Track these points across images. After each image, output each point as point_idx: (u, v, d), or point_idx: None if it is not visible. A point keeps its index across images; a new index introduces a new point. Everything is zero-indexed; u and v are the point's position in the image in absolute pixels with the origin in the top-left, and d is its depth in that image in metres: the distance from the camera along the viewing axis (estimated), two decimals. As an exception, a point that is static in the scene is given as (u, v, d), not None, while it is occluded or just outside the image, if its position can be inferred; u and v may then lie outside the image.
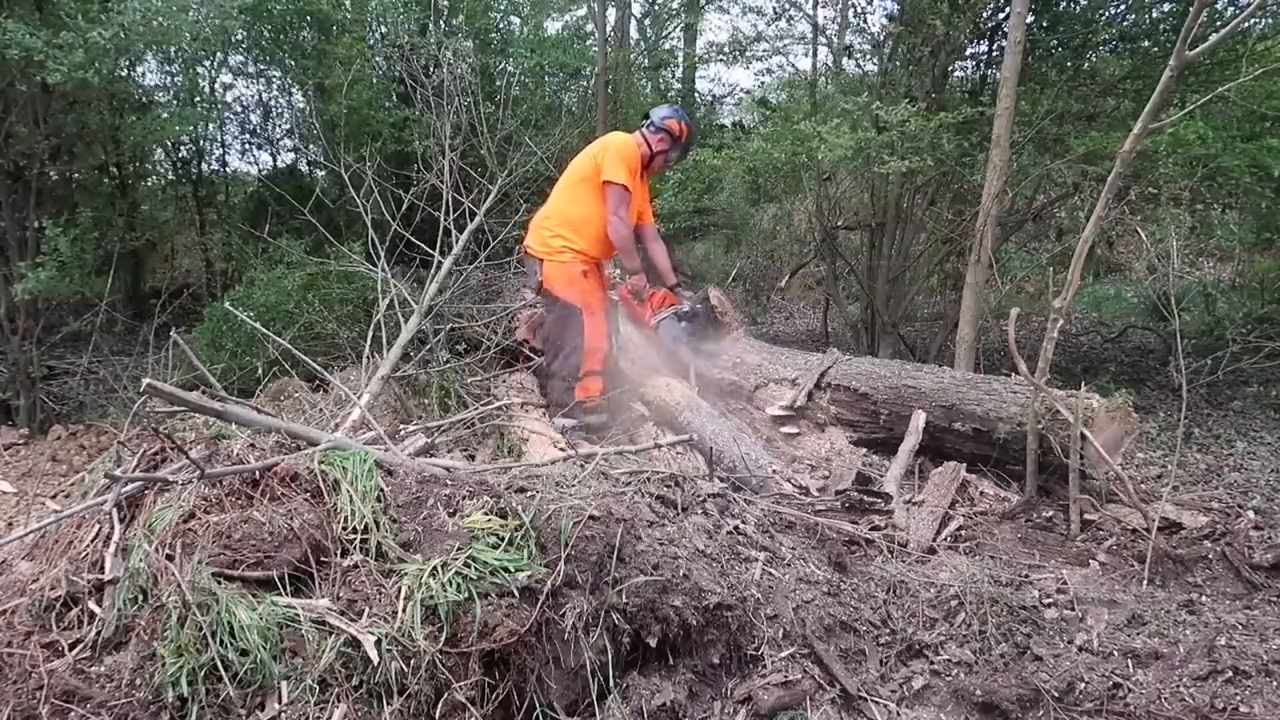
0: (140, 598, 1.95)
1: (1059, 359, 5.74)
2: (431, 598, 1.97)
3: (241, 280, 6.77)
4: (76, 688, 1.79)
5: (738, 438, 3.72)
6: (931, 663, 2.36)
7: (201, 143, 8.96)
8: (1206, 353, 5.60)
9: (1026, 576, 2.80)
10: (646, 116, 4.45)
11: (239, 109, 9.23)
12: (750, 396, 4.51)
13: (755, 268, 9.80)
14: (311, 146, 7.63)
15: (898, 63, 6.82)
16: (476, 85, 6.02)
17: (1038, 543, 3.15)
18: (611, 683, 2.08)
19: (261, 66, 8.72)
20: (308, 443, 2.42)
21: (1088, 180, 5.94)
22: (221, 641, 1.82)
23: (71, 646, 1.92)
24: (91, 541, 2.16)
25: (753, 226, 9.68)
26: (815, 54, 9.41)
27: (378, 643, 1.90)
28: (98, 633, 1.93)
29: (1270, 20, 5.92)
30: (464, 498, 2.27)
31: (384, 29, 8.69)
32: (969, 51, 6.91)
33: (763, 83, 10.93)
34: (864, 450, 3.97)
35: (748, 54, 9.06)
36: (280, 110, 9.45)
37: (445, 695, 1.93)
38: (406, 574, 2.03)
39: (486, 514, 2.22)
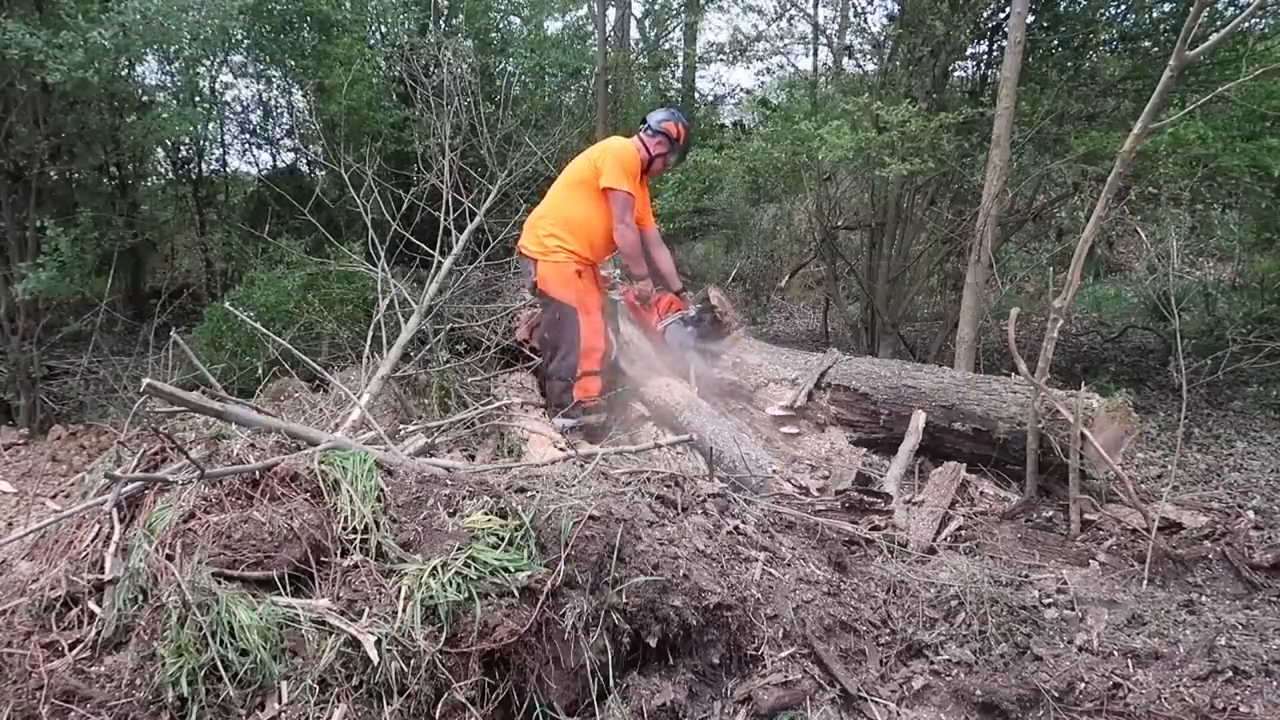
0: (140, 598, 1.95)
1: (1059, 359, 5.74)
2: (431, 598, 1.97)
3: (241, 280, 6.77)
4: (76, 688, 1.79)
5: (738, 438, 3.72)
6: (931, 663, 2.36)
7: (201, 143, 8.96)
8: (1206, 353, 5.60)
9: (1026, 576, 2.80)
10: (644, 121, 4.45)
11: (239, 109, 9.25)
12: (750, 396, 4.51)
13: (755, 268, 9.80)
14: (311, 146, 7.62)
15: (898, 63, 6.82)
16: (476, 85, 6.02)
17: (1038, 543, 3.15)
18: (611, 683, 2.08)
19: (261, 66, 8.72)
20: (308, 443, 2.42)
21: (1088, 180, 5.93)
22: (221, 641, 1.82)
23: (71, 646, 1.92)
24: (91, 541, 2.16)
25: (753, 226, 9.68)
26: (815, 54, 9.42)
27: (378, 643, 1.90)
28: (98, 633, 1.93)
29: (1270, 20, 5.92)
30: (464, 498, 2.27)
31: (384, 29, 8.69)
32: (969, 51, 6.91)
33: (763, 83, 10.94)
34: (864, 450, 3.97)
35: (748, 54, 9.06)
36: (280, 110, 9.46)
37: (445, 695, 1.93)
38: (406, 574, 2.03)
39: (486, 514, 2.22)
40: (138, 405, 2.71)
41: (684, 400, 4.08)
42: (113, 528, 2.14)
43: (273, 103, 9.35)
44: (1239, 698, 2.17)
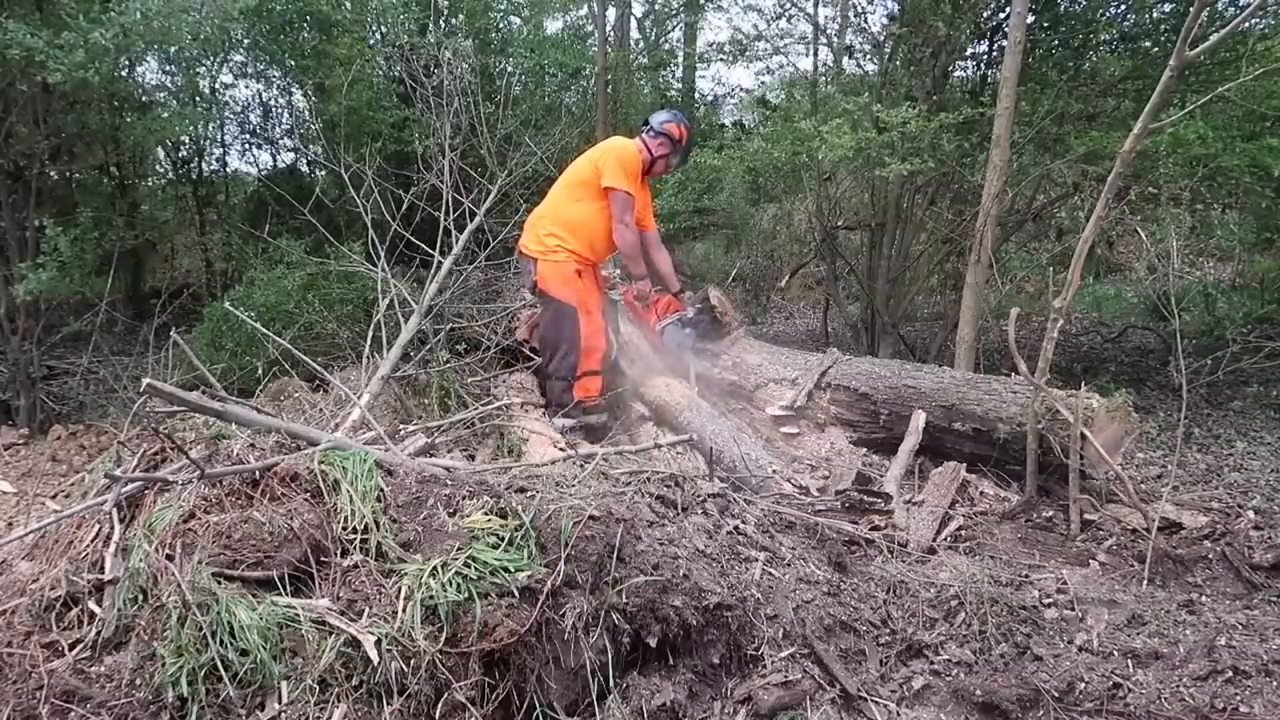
0: (140, 598, 1.95)
1: (1059, 359, 5.74)
2: (431, 598, 1.97)
3: (241, 280, 6.77)
4: (76, 688, 1.79)
5: (738, 438, 3.72)
6: (931, 663, 2.36)
7: (201, 143, 8.96)
8: (1206, 353, 5.60)
9: (1026, 576, 2.80)
10: (646, 122, 4.45)
11: (239, 109, 9.25)
12: (750, 396, 4.51)
13: (755, 268, 9.80)
14: (311, 146, 7.62)
15: (898, 63, 6.82)
16: (476, 85, 6.02)
17: (1038, 543, 3.15)
18: (611, 683, 2.08)
19: (261, 66, 8.72)
20: (308, 443, 2.42)
21: (1088, 180, 5.94)
22: (221, 641, 1.82)
23: (71, 646, 1.92)
24: (91, 541, 2.16)
25: (753, 226, 9.68)
26: (816, 54, 9.42)
27: (378, 643, 1.90)
28: (98, 633, 1.93)
29: (1270, 20, 5.92)
30: (464, 498, 2.27)
31: (384, 29, 8.69)
32: (969, 51, 6.92)
33: (763, 82, 10.94)
34: (864, 450, 3.97)
35: (748, 54, 9.06)
36: (280, 110, 9.46)
37: (445, 695, 1.93)
38: (406, 574, 2.03)
39: (486, 514, 2.22)
40: (138, 405, 2.71)
41: (684, 400, 4.08)
42: (113, 528, 2.14)
43: (273, 103, 9.37)
44: (1239, 698, 2.17)
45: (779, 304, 10.29)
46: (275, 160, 9.83)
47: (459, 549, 2.08)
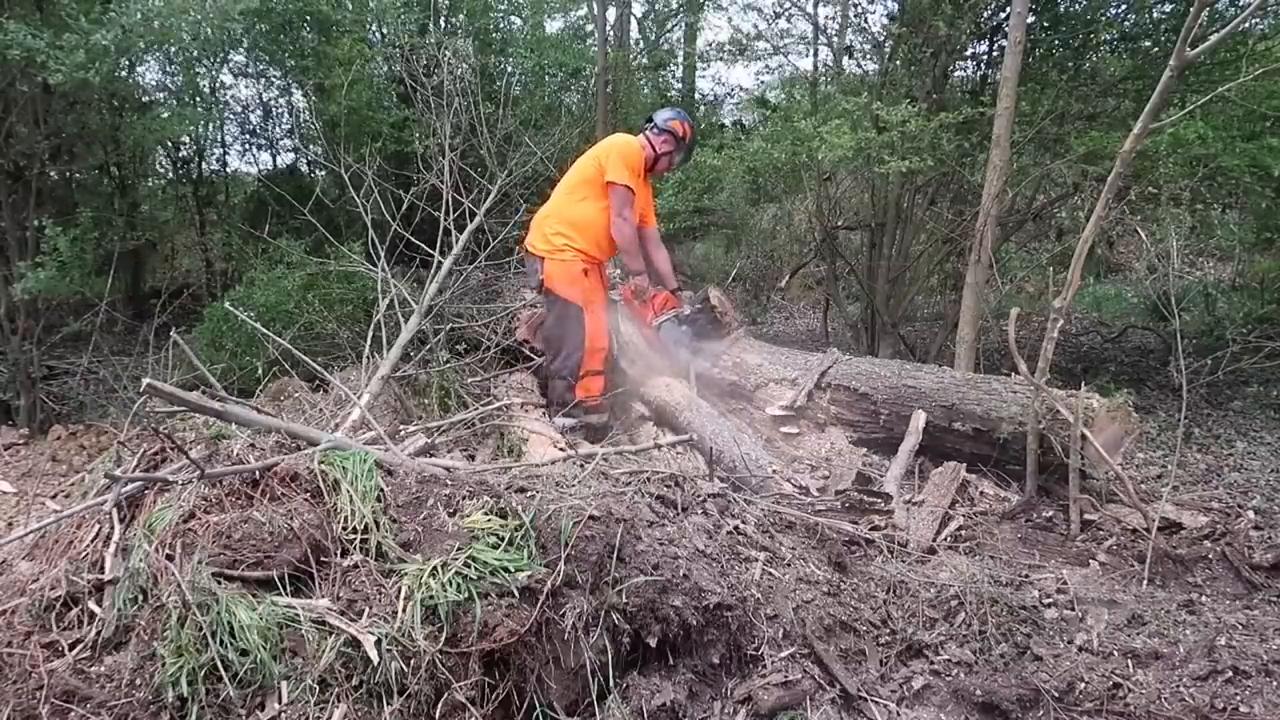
0: (140, 598, 1.95)
1: (1059, 359, 5.74)
2: (431, 598, 1.97)
3: (241, 280, 6.77)
4: (76, 688, 1.79)
5: (738, 438, 3.72)
6: (931, 663, 2.36)
7: (201, 143, 8.96)
8: (1206, 353, 5.60)
9: (1026, 576, 2.80)
10: (650, 119, 4.45)
11: (239, 109, 9.25)
12: (750, 396, 4.51)
13: (755, 268, 9.80)
14: (311, 146, 7.62)
15: (898, 63, 6.82)
16: (476, 85, 6.02)
17: (1038, 543, 3.15)
18: (611, 683, 2.08)
19: (261, 66, 8.72)
20: (308, 443, 2.42)
21: (1088, 180, 5.93)
22: (221, 641, 1.82)
23: (71, 646, 1.92)
24: (91, 541, 2.16)
25: (753, 226, 9.67)
26: (815, 54, 9.43)
27: (378, 643, 1.90)
28: (98, 633, 1.93)
29: (1270, 20, 5.92)
30: (464, 498, 2.27)
31: (384, 29, 8.69)
32: (969, 51, 6.92)
33: (762, 82, 10.93)
34: (864, 450, 3.97)
35: (748, 53, 9.06)
36: (280, 110, 9.47)
37: (445, 695, 1.93)
38: (406, 574, 2.03)
39: (486, 514, 2.22)
40: (138, 405, 2.71)
41: (684, 400, 4.08)
42: (113, 528, 2.14)
43: (273, 103, 9.37)
44: (1239, 698, 2.17)
45: (779, 304, 10.28)
46: (275, 160, 9.85)
47: (459, 549, 2.08)
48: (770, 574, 2.49)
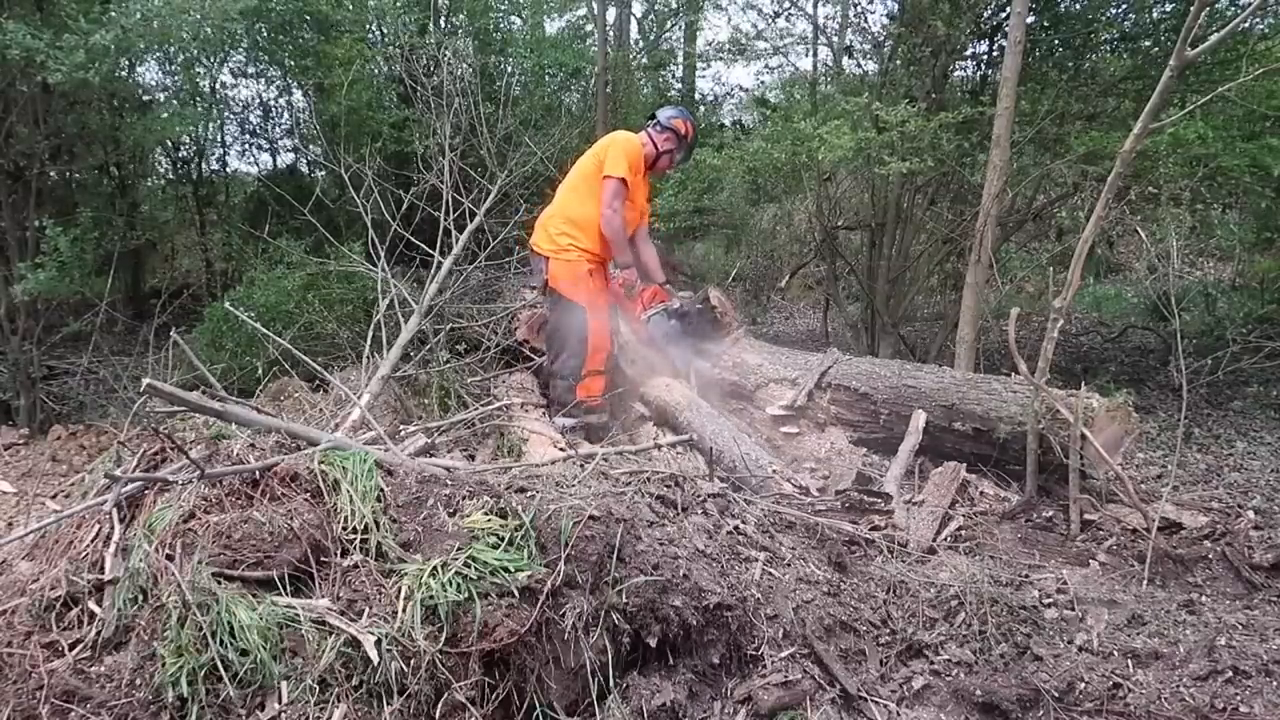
0: (140, 598, 1.95)
1: (1059, 359, 5.74)
2: (431, 598, 1.97)
3: (241, 280, 6.77)
4: (76, 688, 1.79)
5: (738, 438, 3.72)
6: (931, 663, 2.36)
7: (201, 143, 8.96)
8: (1206, 353, 5.60)
9: (1026, 576, 2.80)
10: (652, 116, 4.45)
11: (239, 109, 9.25)
12: (750, 396, 4.51)
13: (755, 268, 9.80)
14: (311, 146, 7.63)
15: (898, 62, 6.82)
16: (476, 85, 6.03)
17: (1038, 543, 3.15)
18: (611, 683, 2.08)
19: (261, 66, 8.73)
20: (308, 443, 2.42)
21: (1088, 180, 5.93)
22: (221, 641, 1.82)
23: (71, 646, 1.92)
24: (91, 541, 2.16)
25: (753, 226, 9.67)
26: (815, 54, 9.43)
27: (378, 643, 1.90)
28: (98, 633, 1.93)
29: (1270, 20, 5.92)
30: (464, 498, 2.27)
31: (384, 29, 8.69)
32: (969, 51, 6.91)
33: (762, 82, 10.93)
34: (864, 450, 3.97)
35: (747, 53, 9.06)
36: (280, 110, 9.47)
37: (445, 695, 1.93)
38: (406, 574, 2.03)
39: (486, 514, 2.22)
40: (138, 405, 2.71)
41: (684, 400, 4.08)
42: (113, 528, 2.14)
43: (273, 103, 9.37)
44: (1239, 698, 2.17)
45: (779, 304, 10.28)
46: (275, 160, 9.86)
47: (459, 549, 2.08)
48: (770, 574, 2.49)
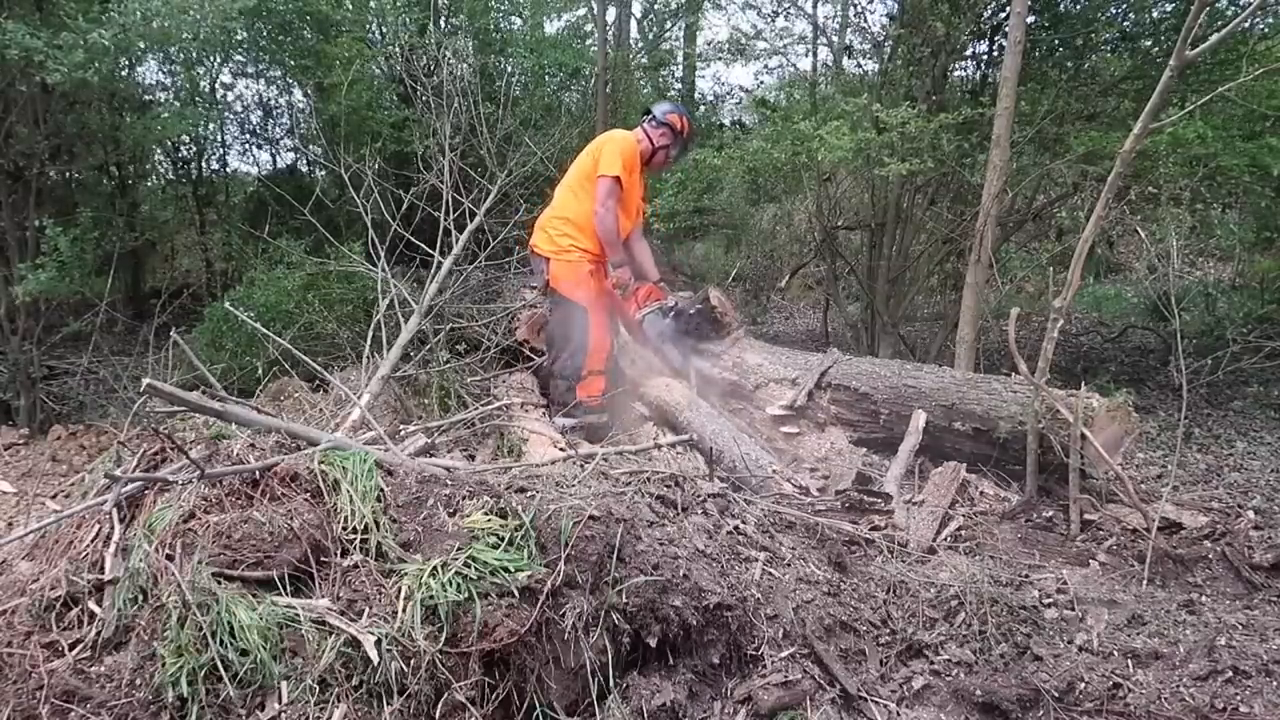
0: (140, 598, 1.94)
1: (1059, 359, 5.74)
2: (431, 598, 1.97)
3: (241, 280, 6.77)
4: (76, 688, 1.79)
5: (738, 438, 3.72)
6: (931, 663, 2.36)
7: (202, 143, 8.96)
8: (1206, 353, 5.60)
9: (1026, 576, 2.80)
10: (648, 112, 4.45)
11: (239, 109, 9.25)
12: (750, 396, 4.51)
13: (755, 268, 9.80)
14: (312, 146, 7.63)
15: (898, 63, 6.81)
16: (476, 85, 6.03)
17: (1038, 543, 3.15)
18: (611, 683, 2.08)
19: (261, 66, 8.73)
20: (308, 443, 2.42)
21: (1088, 180, 5.93)
22: (221, 641, 1.82)
23: (71, 646, 1.92)
24: (91, 541, 2.16)
25: (753, 226, 9.67)
26: (815, 54, 9.42)
27: (378, 643, 1.90)
28: (98, 633, 1.93)
29: (1270, 20, 5.92)
30: (464, 498, 2.27)
31: (384, 29, 8.69)
32: (969, 51, 6.92)
33: (761, 82, 10.93)
34: (864, 450, 3.97)
35: (747, 53, 9.06)
36: (280, 110, 9.46)
37: (445, 695, 1.93)
38: (406, 574, 2.03)
39: (486, 514, 2.22)
40: (138, 405, 2.71)
41: (684, 400, 4.08)
42: (113, 528, 2.14)
43: (273, 103, 9.37)
44: (1239, 698, 2.17)
45: (779, 304, 10.28)
46: (275, 160, 9.85)
47: (459, 549, 2.08)
48: (770, 574, 2.49)
